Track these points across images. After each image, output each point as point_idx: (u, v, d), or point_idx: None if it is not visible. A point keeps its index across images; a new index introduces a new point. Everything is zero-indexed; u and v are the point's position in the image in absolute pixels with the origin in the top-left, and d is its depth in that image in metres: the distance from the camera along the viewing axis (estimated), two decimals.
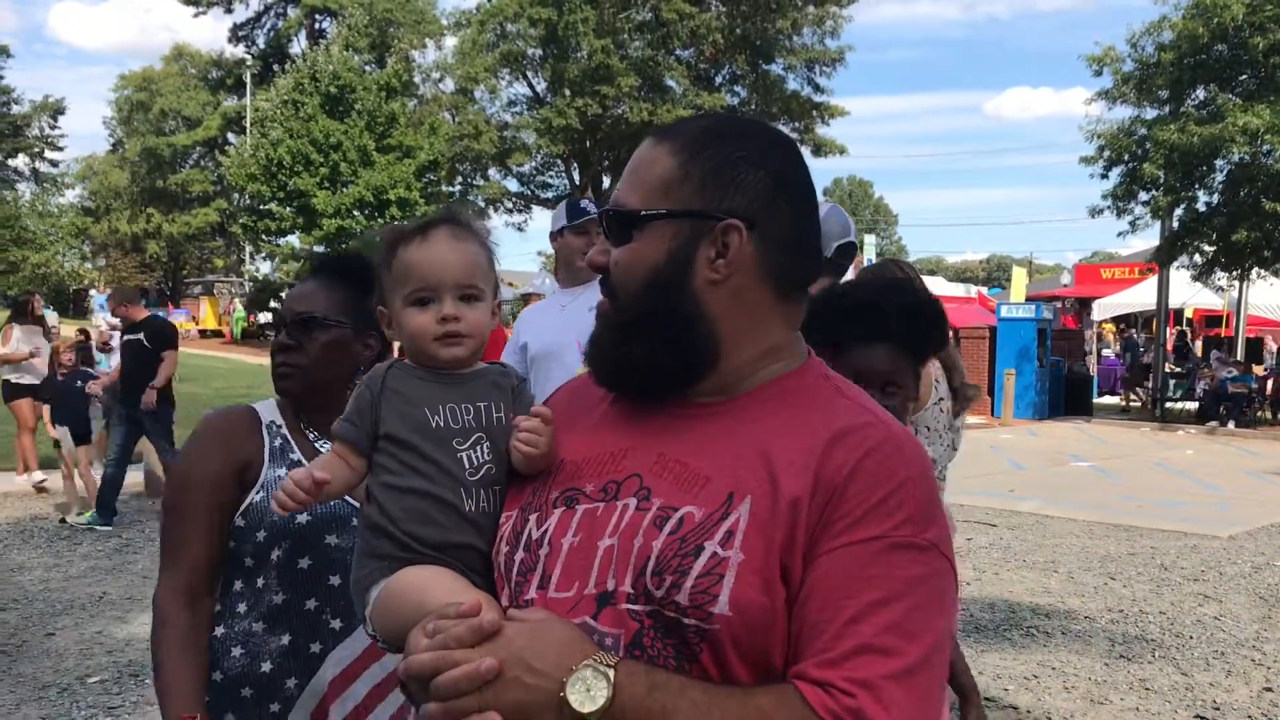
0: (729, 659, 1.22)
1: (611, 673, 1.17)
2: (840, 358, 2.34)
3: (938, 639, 1.22)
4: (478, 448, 1.46)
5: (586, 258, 1.48)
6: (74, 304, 50.03)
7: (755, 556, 1.22)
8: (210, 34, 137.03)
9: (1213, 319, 32.06)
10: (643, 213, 1.37)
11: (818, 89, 40.58)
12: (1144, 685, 5.82)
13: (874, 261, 24.27)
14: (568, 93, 36.46)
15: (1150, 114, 22.51)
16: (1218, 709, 5.49)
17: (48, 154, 57.60)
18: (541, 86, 39.40)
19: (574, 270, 4.21)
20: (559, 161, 40.95)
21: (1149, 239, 25.96)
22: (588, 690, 1.16)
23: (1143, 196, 22.81)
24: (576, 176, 40.68)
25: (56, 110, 56.69)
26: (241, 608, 2.13)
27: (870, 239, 26.47)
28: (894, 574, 1.21)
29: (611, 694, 1.16)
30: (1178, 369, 24.79)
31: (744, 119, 1.49)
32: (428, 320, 1.49)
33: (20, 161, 57.56)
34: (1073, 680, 5.85)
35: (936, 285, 33.03)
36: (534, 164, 41.62)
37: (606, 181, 39.33)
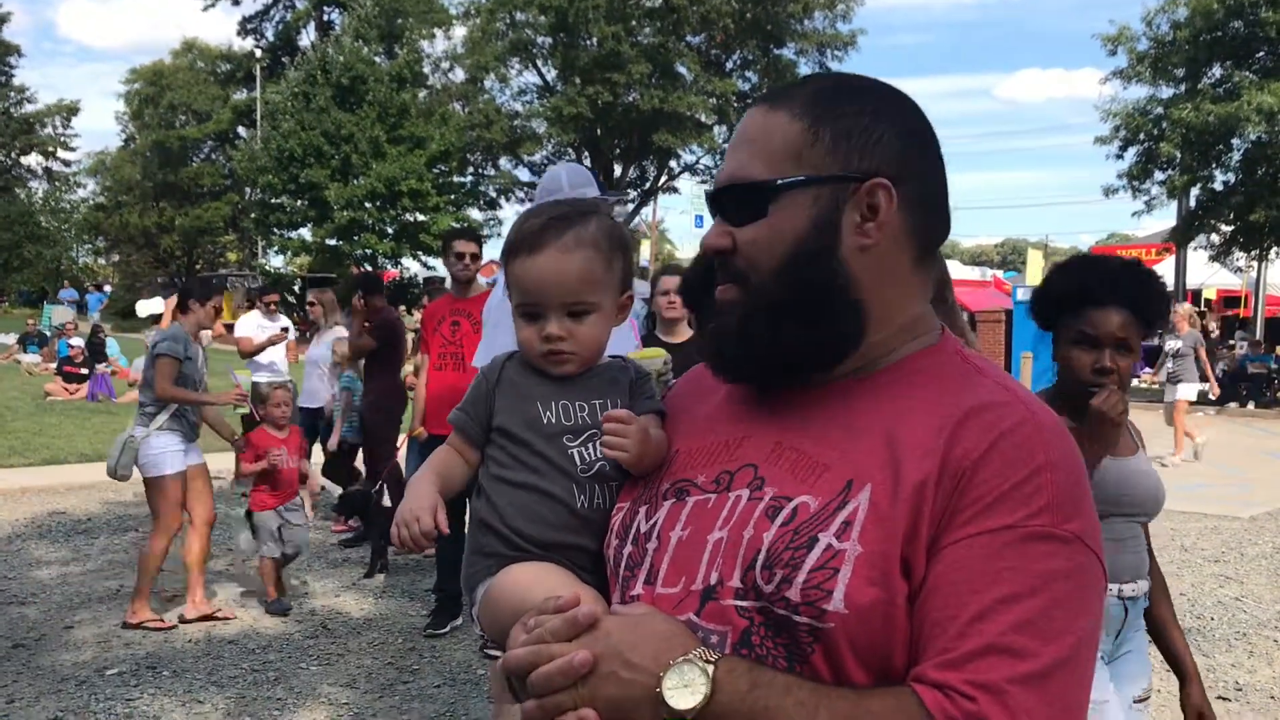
0: (844, 660, 1.13)
1: (711, 669, 1.10)
2: (1072, 319, 2.65)
3: (1080, 640, 1.10)
4: (590, 444, 1.43)
5: (703, 242, 1.34)
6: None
7: (874, 549, 1.13)
8: (219, 28, 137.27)
9: (1231, 299, 31.84)
10: (779, 182, 1.24)
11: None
12: (1164, 666, 5.76)
13: None
14: (578, 81, 36.37)
15: (1166, 93, 22.36)
16: (1240, 689, 5.45)
17: (60, 154, 57.82)
18: (552, 75, 39.31)
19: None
20: (570, 150, 40.86)
21: (1164, 219, 25.81)
22: (685, 686, 1.09)
23: (1158, 176, 22.68)
24: (588, 165, 40.60)
25: (70, 112, 56.85)
26: None
27: None
28: (1028, 567, 1.10)
29: (710, 690, 1.09)
30: None
31: (856, 75, 1.37)
32: (534, 335, 1.46)
33: (33, 160, 57.81)
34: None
35: (951, 269, 32.84)
36: (545, 153, 41.51)
37: (618, 169, 39.25)
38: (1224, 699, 5.32)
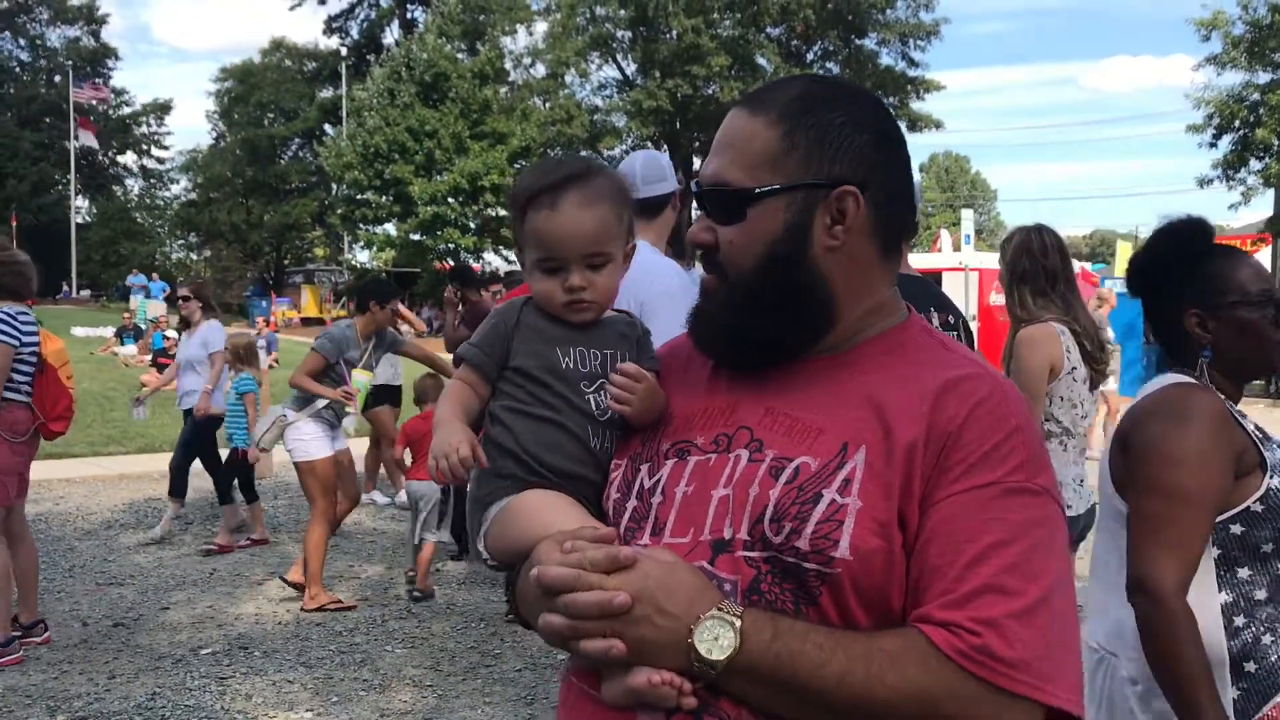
0: (848, 601, 1.24)
1: (738, 622, 1.20)
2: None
3: (1055, 578, 1.24)
4: (603, 393, 1.50)
5: (690, 234, 1.46)
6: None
7: (873, 503, 1.25)
8: (306, 27, 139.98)
9: None
10: (757, 190, 1.36)
11: (912, 63, 39.93)
12: None
13: (970, 238, 23.68)
14: (658, 74, 36.44)
15: (1262, 78, 21.68)
16: None
17: (154, 152, 59.51)
18: (631, 69, 39.42)
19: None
20: (649, 144, 40.92)
21: (1260, 210, 25.02)
22: (715, 639, 1.20)
23: (1255, 165, 22.01)
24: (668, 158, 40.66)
25: (163, 110, 58.47)
26: (1260, 594, 2.15)
27: (967, 214, 25.88)
28: (1010, 517, 1.24)
29: (739, 643, 1.19)
30: None
31: (829, 80, 1.50)
32: (555, 287, 1.51)
33: (129, 159, 59.60)
34: None
35: None
36: (625, 147, 41.65)
37: (696, 162, 39.20)
38: None
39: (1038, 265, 3.96)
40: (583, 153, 41.28)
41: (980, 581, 1.19)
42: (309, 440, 6.35)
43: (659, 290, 3.26)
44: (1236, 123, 21.65)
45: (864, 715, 1.20)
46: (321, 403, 6.34)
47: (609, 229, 1.52)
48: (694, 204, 1.49)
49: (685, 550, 1.31)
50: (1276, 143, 20.80)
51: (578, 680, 1.38)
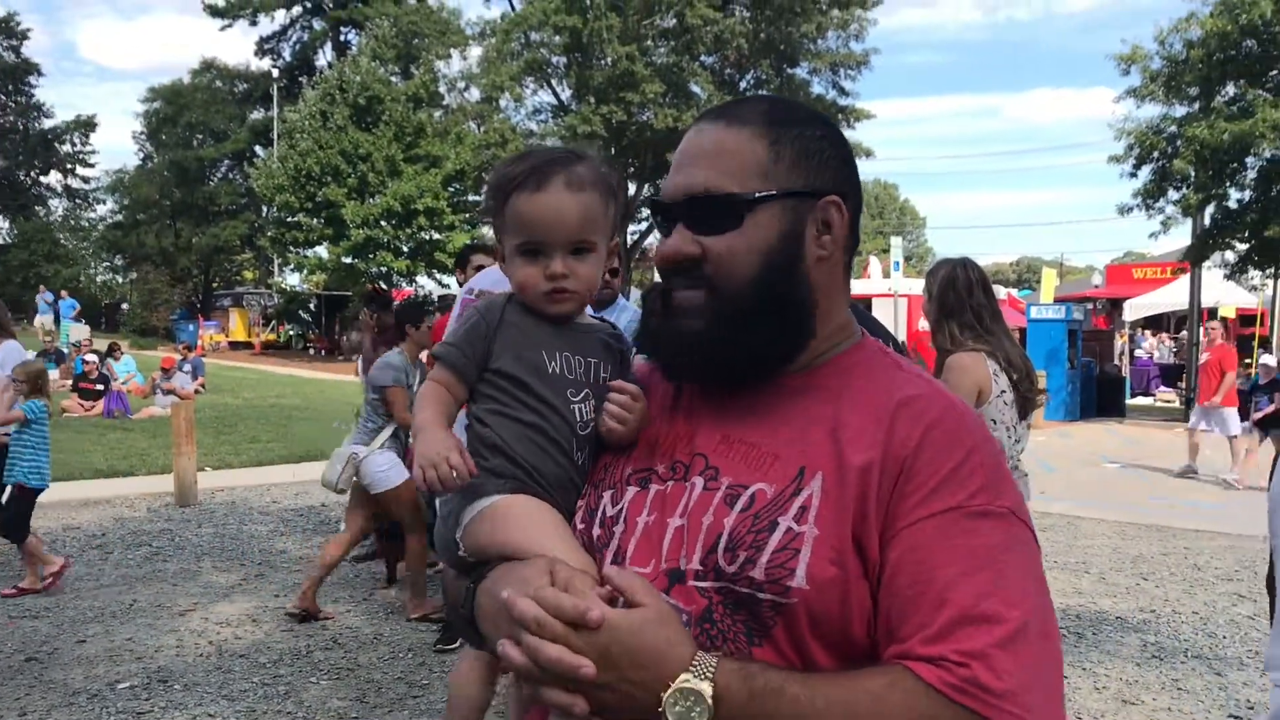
0: (803, 633, 1.22)
1: (710, 688, 1.15)
2: None
3: (1035, 601, 1.20)
4: (586, 403, 1.45)
5: (667, 249, 1.38)
6: (106, 317, 50.52)
7: (829, 531, 1.23)
8: (237, 48, 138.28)
9: (1248, 318, 31.68)
10: (756, 195, 1.34)
11: (843, 92, 40.45)
12: (1176, 685, 5.75)
13: (899, 265, 24.03)
14: (592, 100, 36.49)
15: (1179, 111, 22.32)
16: (1251, 708, 5.41)
17: (79, 171, 58.28)
18: (566, 94, 39.45)
19: None
20: None
21: (1180, 239, 25.73)
22: (687, 712, 1.14)
23: (1173, 195, 22.62)
24: None
25: (87, 127, 57.31)
26: None
27: (896, 241, 26.27)
28: (978, 543, 1.21)
29: (712, 711, 1.14)
30: None
31: (790, 100, 1.51)
32: (536, 274, 1.45)
33: (52, 178, 58.29)
34: (1103, 680, 5.78)
35: None
36: None
37: (632, 188, 39.33)
38: (1236, 717, 5.29)
39: (964, 302, 4.06)
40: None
41: (958, 612, 1.16)
42: (387, 469, 6.53)
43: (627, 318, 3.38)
44: (1155, 154, 22.24)
45: None
46: (388, 432, 6.56)
47: (594, 217, 1.47)
48: (657, 221, 1.43)
49: (646, 579, 1.28)
50: (1193, 174, 21.37)
51: (536, 711, 1.35)
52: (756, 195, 1.34)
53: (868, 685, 1.15)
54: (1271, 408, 12.85)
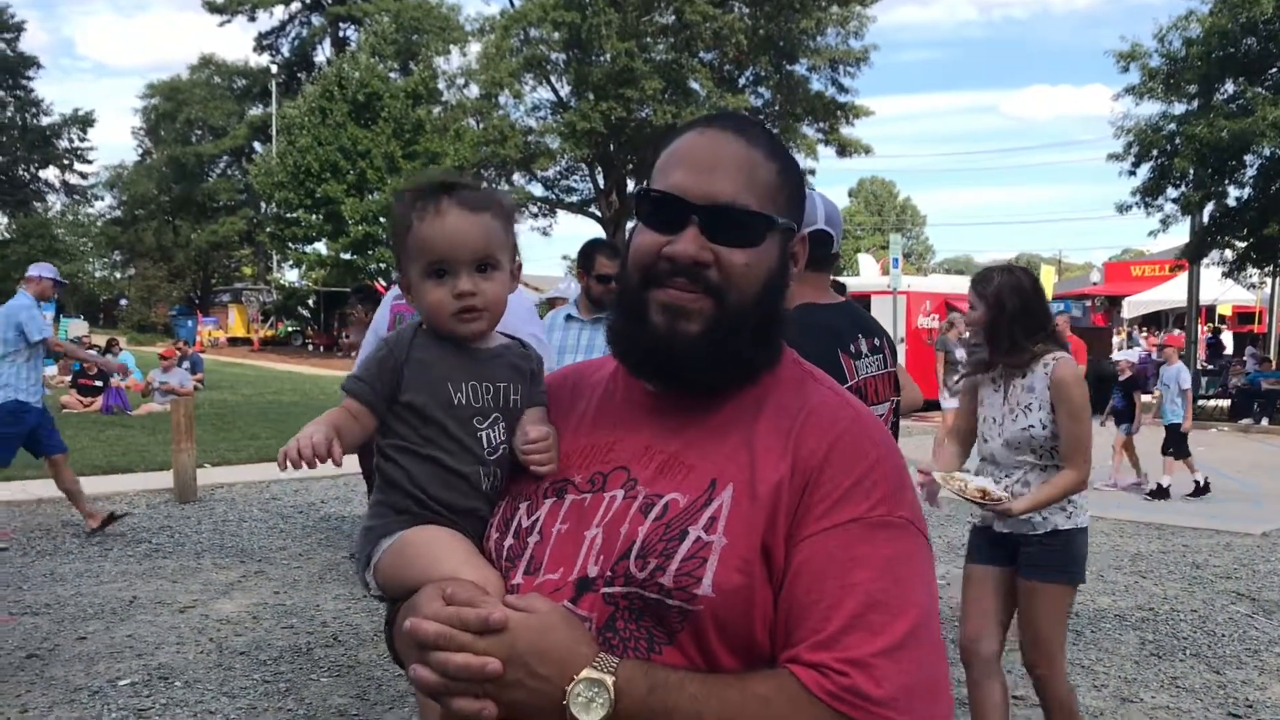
0: (709, 638, 1.26)
1: (612, 680, 1.20)
2: None
3: (922, 612, 1.26)
4: (495, 428, 1.48)
5: (683, 250, 1.37)
6: (104, 314, 50.47)
7: (737, 540, 1.27)
8: (236, 45, 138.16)
9: (1246, 315, 31.71)
10: (779, 220, 1.41)
11: (842, 89, 40.48)
12: (1175, 683, 5.76)
13: (899, 262, 24.00)
14: (591, 96, 36.51)
15: (1179, 109, 22.33)
16: (1250, 706, 5.42)
17: (77, 166, 58.28)
18: (565, 91, 39.46)
19: None
20: (583, 166, 40.98)
21: (1178, 236, 25.73)
22: (590, 700, 1.19)
23: (1172, 193, 22.63)
24: (601, 180, 40.73)
25: (85, 123, 57.28)
26: None
27: (896, 238, 26.30)
28: (875, 553, 1.26)
29: (613, 701, 1.19)
30: (1210, 366, 24.54)
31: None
32: (444, 294, 1.48)
33: (51, 174, 58.31)
34: (1102, 679, 5.79)
35: (965, 285, 32.80)
36: (558, 168, 41.67)
37: (631, 185, 39.33)
38: (1235, 715, 5.30)
39: (1032, 304, 4.09)
40: (515, 174, 41.30)
41: (846, 620, 1.22)
42: None
43: (536, 327, 3.38)
44: (1155, 151, 22.25)
45: None
46: None
47: (496, 236, 1.51)
48: (635, 212, 1.46)
49: (554, 588, 1.32)
50: (1192, 172, 21.39)
51: None
52: (779, 220, 1.40)
53: (757, 689, 1.21)
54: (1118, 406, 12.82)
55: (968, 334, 4.03)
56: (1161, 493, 12.13)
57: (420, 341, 1.51)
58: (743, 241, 1.38)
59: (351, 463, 8.57)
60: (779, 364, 1.45)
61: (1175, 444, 12.42)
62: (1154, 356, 31.39)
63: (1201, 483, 12.24)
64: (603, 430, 1.46)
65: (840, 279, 15.03)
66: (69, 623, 6.51)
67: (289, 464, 1.41)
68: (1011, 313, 4.00)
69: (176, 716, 5.05)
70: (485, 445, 1.47)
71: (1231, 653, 6.32)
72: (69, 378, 20.47)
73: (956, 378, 7.38)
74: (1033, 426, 3.93)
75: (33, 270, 9.39)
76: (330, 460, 1.43)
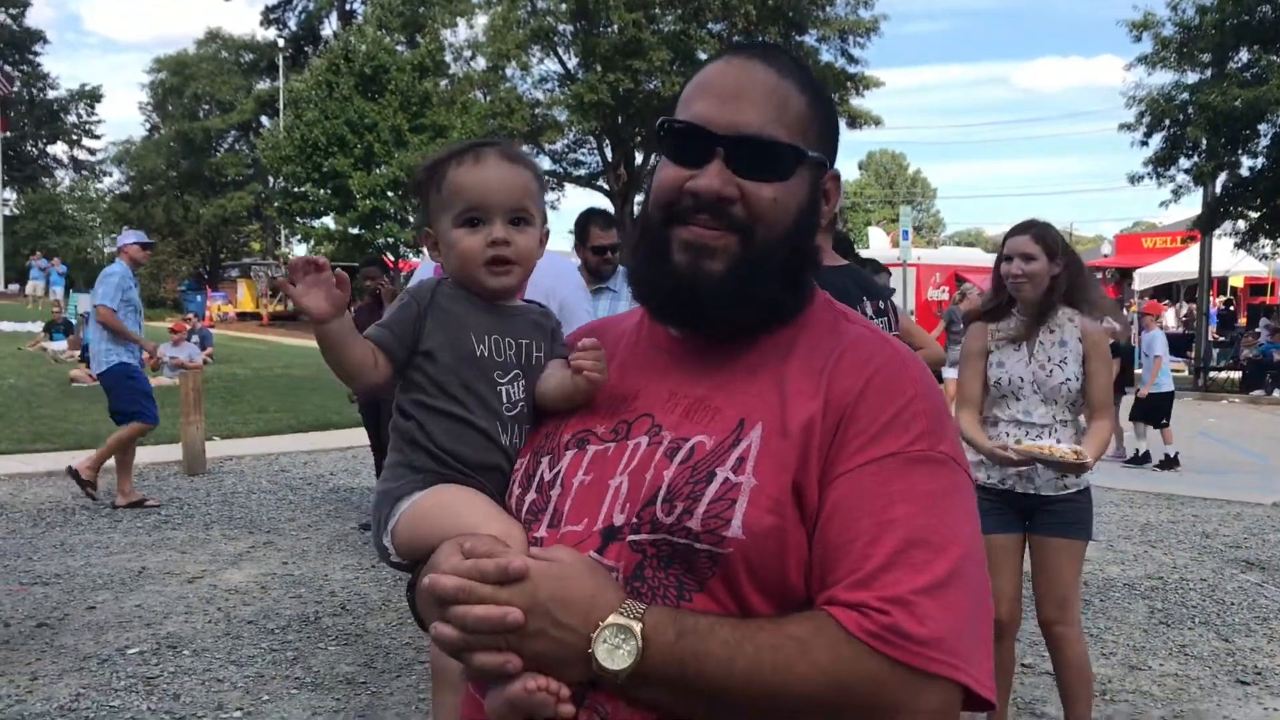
0: (740, 582, 1.20)
1: (639, 626, 1.14)
2: None
3: (966, 550, 1.20)
4: (515, 384, 1.45)
5: (707, 185, 1.30)
6: None
7: (767, 481, 1.21)
8: (243, 18, 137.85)
9: (1258, 287, 31.53)
10: (810, 153, 1.34)
11: (851, 60, 40.16)
12: (1183, 651, 5.74)
13: (909, 234, 23.95)
14: (599, 68, 36.29)
15: (1192, 78, 22.13)
16: (1259, 674, 5.41)
17: (85, 142, 58.24)
18: (573, 63, 39.24)
19: None
20: (591, 139, 40.80)
21: (1190, 208, 25.55)
22: (616, 648, 1.14)
23: (1184, 163, 22.45)
24: (609, 153, 40.56)
25: (93, 98, 57.22)
26: None
27: (905, 210, 26.16)
28: (915, 488, 1.20)
29: (641, 648, 1.14)
30: (1221, 338, 24.42)
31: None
32: (477, 243, 1.47)
33: (59, 149, 58.29)
34: (1110, 646, 5.78)
35: (975, 257, 32.71)
36: (566, 141, 41.46)
37: (639, 157, 39.18)
38: (1243, 683, 5.28)
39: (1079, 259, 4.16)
40: (524, 146, 41.14)
41: (886, 558, 1.15)
42: None
43: (575, 285, 3.37)
44: (1167, 121, 22.06)
45: (779, 708, 1.14)
46: None
47: (531, 190, 1.50)
48: (672, 148, 1.36)
49: (578, 539, 1.27)
50: (1205, 141, 21.21)
51: (473, 689, 1.34)
52: (811, 153, 1.33)
53: (793, 631, 1.15)
54: None
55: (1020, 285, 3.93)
56: (1170, 462, 12.08)
57: (445, 291, 1.49)
58: (771, 175, 1.31)
59: (360, 436, 8.60)
60: (811, 305, 1.39)
61: (1152, 412, 12.38)
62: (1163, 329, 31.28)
63: (1171, 455, 12.20)
64: (627, 379, 1.41)
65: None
66: (79, 593, 6.54)
67: (287, 282, 1.39)
68: (1074, 266, 4.02)
69: (184, 684, 5.07)
70: (505, 400, 1.44)
71: (1240, 621, 6.30)
72: (78, 352, 20.50)
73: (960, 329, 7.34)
74: (1069, 380, 3.96)
75: (119, 240, 9.80)
76: (315, 271, 1.39)
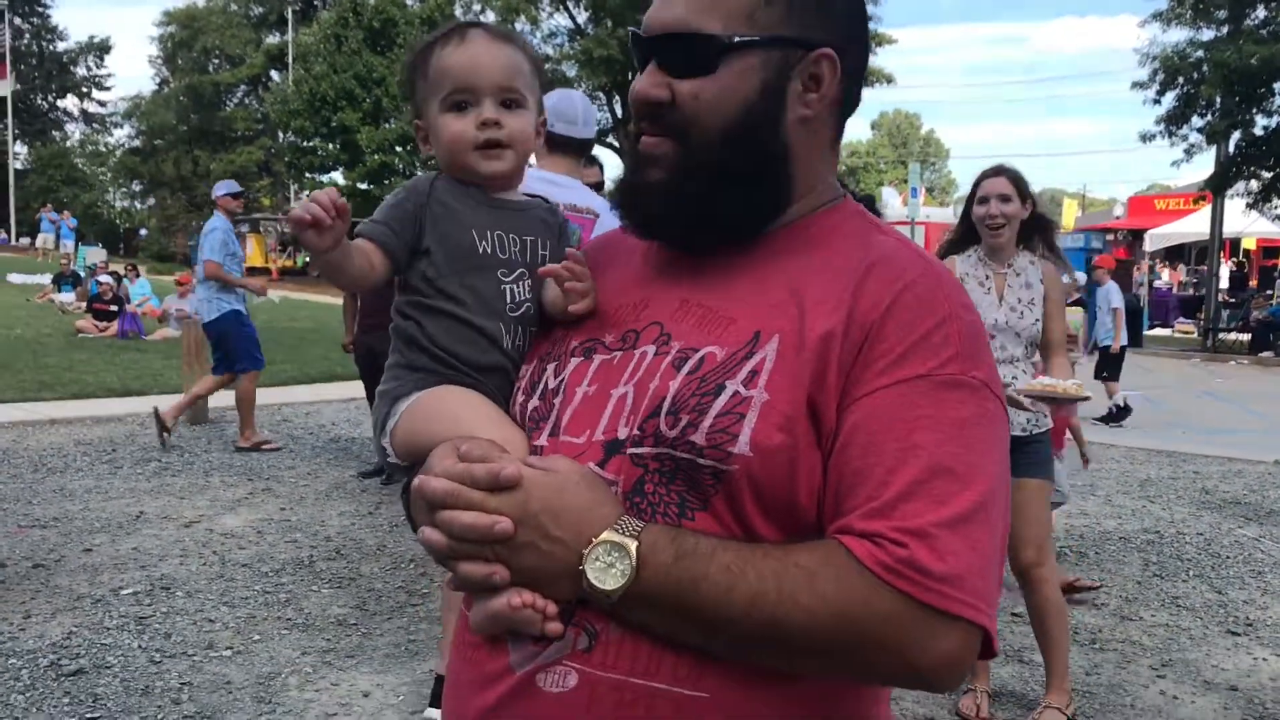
0: (745, 503, 1.12)
1: (634, 545, 1.08)
2: None
3: (994, 484, 1.10)
4: (520, 283, 1.38)
5: (635, 88, 1.26)
6: (125, 243, 50.60)
7: (780, 397, 1.12)
8: None
9: (1271, 249, 31.27)
10: (735, 39, 1.20)
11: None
12: (1176, 602, 5.74)
13: (918, 191, 23.87)
14: (609, 23, 36.00)
15: (1207, 35, 21.83)
16: (1250, 625, 5.41)
17: (95, 94, 58.08)
18: (583, 17, 38.93)
19: None
20: (601, 95, 40.54)
21: (1203, 169, 25.29)
22: (609, 566, 1.09)
23: (1197, 122, 22.20)
24: (619, 109, 40.30)
25: (102, 50, 57.00)
26: None
27: (914, 168, 25.99)
28: (943, 414, 1.10)
29: (635, 568, 1.08)
30: (1231, 299, 24.28)
31: None
32: (466, 126, 1.38)
33: (69, 102, 58.15)
34: (1103, 598, 5.77)
35: None
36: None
37: None
38: (1233, 633, 5.28)
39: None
40: None
41: (906, 486, 1.06)
42: None
43: (603, 203, 3.37)
44: (1180, 79, 21.80)
45: (780, 641, 1.07)
46: None
47: (523, 71, 1.42)
48: (638, 59, 1.30)
49: (578, 450, 1.20)
50: (1219, 99, 20.98)
51: (464, 605, 1.29)
52: (735, 39, 1.20)
53: (801, 560, 1.07)
54: None
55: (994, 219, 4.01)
56: (1122, 412, 12.00)
57: (442, 186, 1.40)
58: (690, 70, 1.22)
59: (360, 389, 8.55)
60: (837, 213, 1.29)
61: (1108, 366, 12.32)
62: (1174, 291, 31.11)
63: (1122, 404, 12.12)
64: (637, 289, 1.32)
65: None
66: (76, 535, 6.57)
67: (300, 223, 1.26)
68: (1041, 213, 4.17)
69: (176, 624, 5.10)
70: (509, 300, 1.37)
71: (1235, 574, 6.29)
72: (85, 304, 20.56)
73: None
74: (1038, 321, 4.05)
75: (214, 192, 10.14)
76: (334, 212, 1.26)
